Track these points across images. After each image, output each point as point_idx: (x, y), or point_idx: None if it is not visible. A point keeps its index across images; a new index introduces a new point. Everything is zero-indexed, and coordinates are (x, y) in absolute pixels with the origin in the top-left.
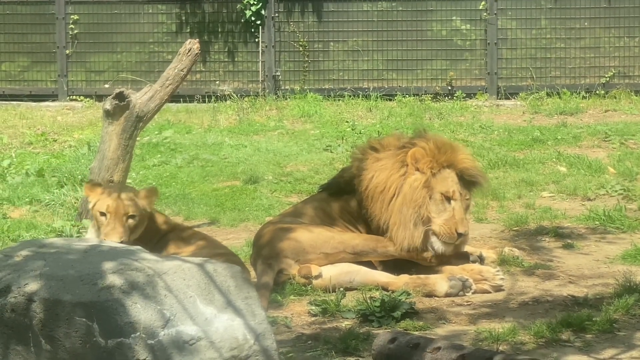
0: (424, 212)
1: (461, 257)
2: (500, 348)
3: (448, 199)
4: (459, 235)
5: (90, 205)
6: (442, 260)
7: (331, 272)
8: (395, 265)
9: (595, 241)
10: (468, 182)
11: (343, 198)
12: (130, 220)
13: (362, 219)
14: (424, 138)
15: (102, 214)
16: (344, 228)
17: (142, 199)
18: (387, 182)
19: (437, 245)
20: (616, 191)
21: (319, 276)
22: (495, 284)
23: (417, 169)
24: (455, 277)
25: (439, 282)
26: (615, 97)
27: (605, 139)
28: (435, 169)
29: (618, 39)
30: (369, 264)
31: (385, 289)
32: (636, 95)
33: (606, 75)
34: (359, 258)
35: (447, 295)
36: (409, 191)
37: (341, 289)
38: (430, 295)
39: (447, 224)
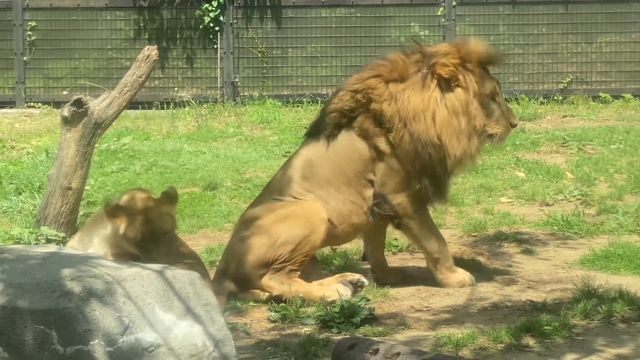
0: (477, 123)
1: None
2: (460, 353)
3: (493, 97)
4: (513, 126)
5: (121, 231)
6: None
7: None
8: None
9: (554, 246)
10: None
11: (344, 135)
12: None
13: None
14: (436, 52)
15: (140, 241)
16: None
17: (168, 208)
18: (424, 102)
19: (496, 141)
20: (574, 196)
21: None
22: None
23: (457, 85)
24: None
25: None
26: (573, 103)
27: (564, 145)
28: (471, 77)
29: (576, 45)
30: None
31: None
32: (594, 101)
33: (564, 81)
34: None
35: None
36: (458, 105)
37: (300, 295)
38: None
39: (499, 123)
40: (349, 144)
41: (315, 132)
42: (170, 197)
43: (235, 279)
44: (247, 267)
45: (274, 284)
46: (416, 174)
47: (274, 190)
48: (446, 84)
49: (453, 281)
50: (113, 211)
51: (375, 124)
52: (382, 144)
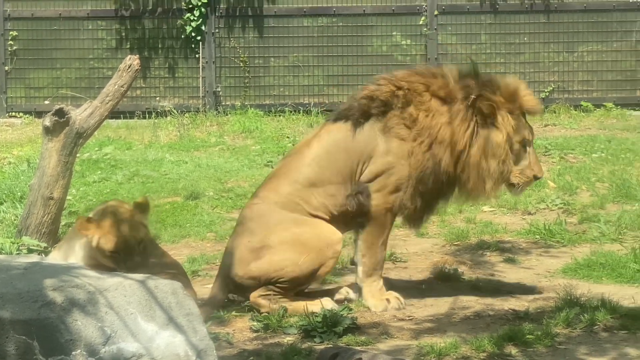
0: (505, 168)
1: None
2: None
3: (524, 146)
4: (537, 179)
5: (94, 244)
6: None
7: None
8: None
9: (536, 255)
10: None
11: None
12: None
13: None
14: (486, 84)
15: (113, 252)
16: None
17: (141, 217)
18: (458, 134)
19: (516, 192)
20: (556, 205)
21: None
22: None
23: (492, 123)
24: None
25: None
26: (555, 112)
27: (546, 154)
28: (510, 119)
29: (557, 54)
30: None
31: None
32: (575, 110)
33: (546, 90)
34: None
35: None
36: (489, 146)
37: (283, 305)
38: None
39: (524, 174)
40: (369, 135)
41: (341, 116)
42: (142, 206)
43: (229, 280)
44: (242, 274)
45: (263, 302)
46: (415, 188)
47: (288, 181)
48: (483, 119)
49: (378, 302)
50: (84, 224)
51: (403, 126)
52: (400, 146)
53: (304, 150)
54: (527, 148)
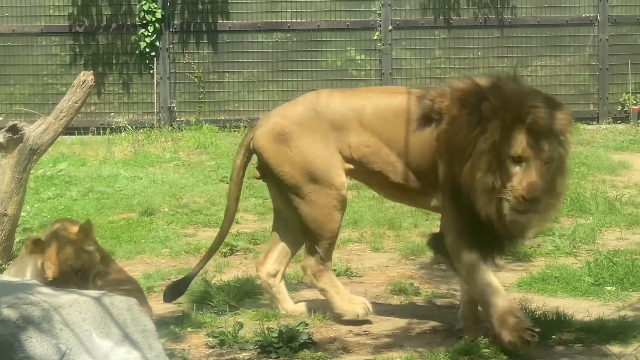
0: (489, 180)
1: None
2: None
3: (517, 161)
4: (527, 202)
5: (39, 267)
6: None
7: None
8: None
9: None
10: (545, 134)
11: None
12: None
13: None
14: (495, 90)
15: (50, 281)
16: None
17: (84, 242)
18: (463, 141)
19: (509, 214)
20: None
21: None
22: None
23: (484, 131)
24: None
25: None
26: None
27: None
28: (501, 128)
29: (511, 69)
30: None
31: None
32: None
33: None
34: None
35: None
36: (476, 155)
37: (238, 320)
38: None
39: (513, 190)
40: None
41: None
42: (85, 232)
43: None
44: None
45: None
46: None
47: None
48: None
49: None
50: (31, 247)
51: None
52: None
53: None
54: (523, 164)
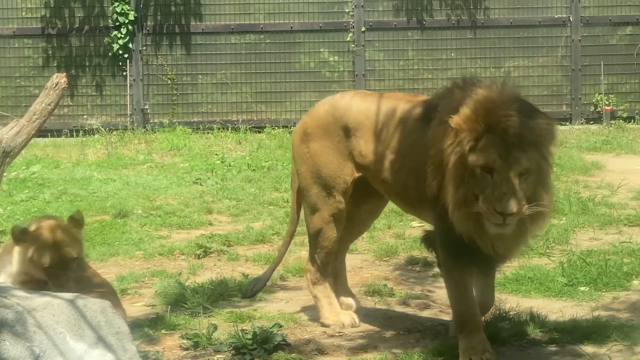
0: (462, 193)
1: None
2: None
3: (489, 172)
4: (503, 215)
5: (28, 255)
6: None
7: None
8: None
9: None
10: (519, 144)
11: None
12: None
13: None
14: (469, 98)
15: (48, 267)
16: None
17: (77, 233)
18: (437, 154)
19: (489, 228)
20: None
21: None
22: None
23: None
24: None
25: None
26: None
27: None
28: (471, 139)
29: (484, 70)
30: None
31: None
32: None
33: None
34: None
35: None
36: (449, 168)
37: (213, 322)
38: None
39: (485, 202)
40: None
41: None
42: (77, 221)
43: None
44: None
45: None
46: None
47: None
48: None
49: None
50: (20, 235)
51: None
52: None
53: None
54: (495, 176)
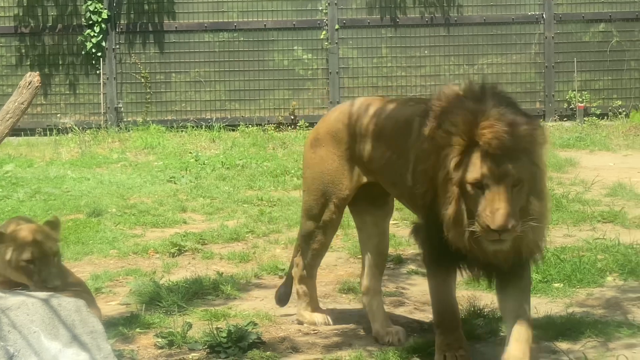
0: (453, 211)
1: None
2: None
3: (478, 188)
4: (495, 231)
5: (7, 257)
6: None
7: None
8: None
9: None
10: (507, 154)
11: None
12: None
13: None
14: (456, 108)
15: (30, 261)
16: None
17: (54, 233)
18: (428, 167)
19: (486, 246)
20: None
21: None
22: None
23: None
24: None
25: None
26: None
27: None
28: (455, 155)
29: (457, 67)
30: None
31: None
32: None
33: None
34: None
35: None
36: (439, 184)
37: (187, 320)
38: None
39: (479, 220)
40: None
41: None
42: (53, 224)
43: None
44: None
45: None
46: None
47: None
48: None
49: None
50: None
51: None
52: None
53: None
54: (486, 192)
